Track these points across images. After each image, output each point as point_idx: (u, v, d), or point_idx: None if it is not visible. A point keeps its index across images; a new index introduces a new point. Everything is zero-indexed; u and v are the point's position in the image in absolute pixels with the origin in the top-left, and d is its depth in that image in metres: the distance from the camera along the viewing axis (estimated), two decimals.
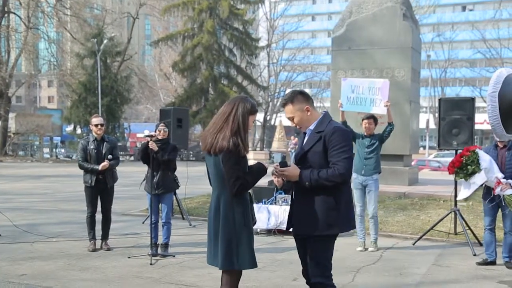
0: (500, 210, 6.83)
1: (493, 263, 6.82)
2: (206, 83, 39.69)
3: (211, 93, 40.20)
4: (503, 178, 6.55)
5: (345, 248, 7.86)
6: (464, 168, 6.71)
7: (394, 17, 13.20)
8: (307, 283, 3.90)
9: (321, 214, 3.67)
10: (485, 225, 6.98)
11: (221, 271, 3.83)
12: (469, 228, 8.15)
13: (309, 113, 3.84)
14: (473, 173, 6.63)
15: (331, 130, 3.70)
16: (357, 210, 7.90)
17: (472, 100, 9.08)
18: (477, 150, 6.78)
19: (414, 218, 9.76)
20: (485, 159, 6.62)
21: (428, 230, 8.46)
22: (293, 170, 3.74)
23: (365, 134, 7.81)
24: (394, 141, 12.68)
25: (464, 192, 6.94)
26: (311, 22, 77.56)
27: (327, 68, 55.23)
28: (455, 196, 8.44)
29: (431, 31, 60.61)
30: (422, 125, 42.19)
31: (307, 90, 39.37)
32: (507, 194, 6.50)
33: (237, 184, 3.60)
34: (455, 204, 8.47)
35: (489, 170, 6.55)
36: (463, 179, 6.86)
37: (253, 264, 3.73)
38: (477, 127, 9.55)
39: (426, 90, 51.18)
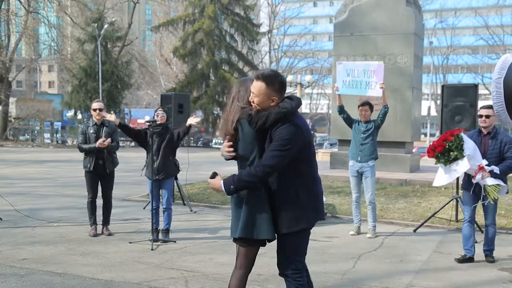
0: (480, 200, 6.27)
1: (471, 259, 6.37)
2: (207, 68, 39.56)
3: (212, 79, 40.10)
4: (487, 165, 6.08)
5: (346, 235, 7.88)
6: (446, 153, 6.16)
7: (397, 3, 13.09)
8: (279, 273, 3.80)
9: (286, 211, 3.54)
10: (464, 217, 6.51)
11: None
12: None
13: (272, 104, 3.55)
14: (455, 159, 6.10)
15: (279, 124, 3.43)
16: (353, 196, 7.96)
17: (475, 86, 9.04)
18: (462, 134, 6.19)
19: (415, 205, 9.76)
20: (469, 145, 6.08)
21: (430, 217, 8.46)
22: (215, 182, 3.57)
23: (361, 120, 7.77)
24: (395, 128, 12.70)
25: (442, 179, 6.36)
26: (312, 8, 77.30)
27: (329, 55, 55.09)
28: (457, 183, 8.42)
29: (434, 17, 60.34)
30: (424, 112, 42.23)
31: (308, 77, 38.86)
32: (488, 184, 6.04)
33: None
34: (457, 192, 8.45)
35: (472, 157, 6.05)
36: (442, 164, 6.28)
37: (272, 235, 3.59)
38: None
39: (428, 77, 51.06)
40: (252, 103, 3.58)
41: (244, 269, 3.71)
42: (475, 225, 7.83)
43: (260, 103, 3.52)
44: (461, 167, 6.07)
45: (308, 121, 28.28)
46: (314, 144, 31.86)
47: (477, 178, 6.07)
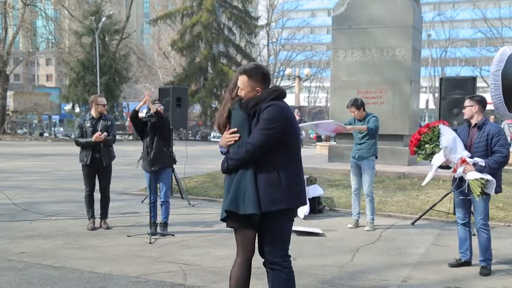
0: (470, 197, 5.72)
1: (467, 263, 5.94)
2: (205, 62, 39.44)
3: (210, 72, 39.98)
4: (469, 157, 5.58)
5: (344, 228, 7.89)
6: (422, 147, 5.77)
7: None
8: (264, 263, 3.82)
9: (268, 191, 3.59)
10: (457, 219, 6.03)
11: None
12: None
13: (258, 94, 3.72)
14: (432, 153, 5.69)
15: (266, 105, 3.60)
16: (352, 188, 8.02)
17: (473, 79, 9.02)
18: (440, 126, 5.75)
19: (414, 198, 9.77)
20: (448, 137, 5.61)
21: (428, 210, 8.48)
22: None
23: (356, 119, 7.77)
24: (393, 121, 12.69)
25: (427, 176, 5.98)
26: (311, 1, 76.96)
27: (327, 48, 55.02)
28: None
29: (432, 10, 60.24)
30: (422, 105, 42.21)
31: (306, 70, 38.45)
32: (471, 179, 5.50)
33: None
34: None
35: (450, 149, 5.57)
36: (428, 161, 5.84)
37: (257, 210, 3.59)
38: None
39: (426, 69, 51.00)
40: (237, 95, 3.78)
41: (241, 256, 3.76)
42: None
43: (246, 95, 3.72)
44: (436, 160, 5.68)
45: (296, 111, 27.89)
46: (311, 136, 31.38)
47: (458, 172, 5.59)
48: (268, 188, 3.58)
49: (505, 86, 4.11)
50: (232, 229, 3.79)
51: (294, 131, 3.72)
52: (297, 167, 3.73)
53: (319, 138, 27.48)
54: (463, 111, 5.87)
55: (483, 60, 54.27)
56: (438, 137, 5.66)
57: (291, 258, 3.83)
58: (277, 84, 53.61)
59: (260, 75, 3.72)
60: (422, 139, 5.77)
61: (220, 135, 3.89)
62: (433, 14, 57.44)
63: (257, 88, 3.70)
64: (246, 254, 3.76)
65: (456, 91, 8.84)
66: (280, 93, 3.72)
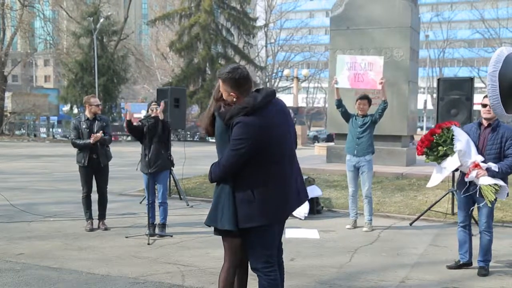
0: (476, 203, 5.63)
1: (467, 264, 5.87)
2: (203, 63, 39.47)
3: (208, 73, 40.01)
4: (482, 162, 5.40)
5: (342, 229, 7.89)
6: (434, 149, 5.56)
7: None
8: (251, 268, 3.83)
9: (242, 207, 3.56)
10: (458, 221, 5.91)
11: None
12: None
13: (235, 99, 3.61)
14: (445, 155, 5.50)
15: (236, 121, 3.50)
16: (350, 191, 7.97)
17: (471, 80, 9.03)
18: (453, 127, 5.56)
19: (412, 198, 9.77)
20: (462, 139, 5.44)
21: (426, 211, 8.48)
22: None
23: (359, 114, 7.77)
24: (392, 122, 12.70)
25: (434, 178, 5.78)
26: (309, 2, 77.10)
27: (325, 48, 55.05)
28: (453, 176, 8.43)
29: (430, 11, 60.32)
30: (420, 105, 42.30)
31: (304, 71, 38.20)
32: (484, 184, 5.34)
33: None
34: (453, 185, 8.46)
35: (464, 153, 5.40)
36: (435, 162, 5.69)
37: (232, 226, 3.59)
38: (475, 107, 9.46)
39: (424, 70, 51.05)
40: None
41: (227, 262, 3.79)
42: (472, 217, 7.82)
43: (225, 98, 3.67)
44: (450, 164, 5.49)
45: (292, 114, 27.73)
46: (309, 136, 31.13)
47: (471, 176, 5.40)
48: (243, 204, 3.56)
49: (502, 86, 4.09)
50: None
51: (269, 145, 3.55)
52: (275, 182, 3.59)
53: (329, 137, 27.20)
54: (487, 109, 5.45)
55: (481, 60, 54.28)
56: (452, 139, 5.48)
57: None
58: (276, 85, 53.78)
59: (232, 80, 3.58)
60: (435, 140, 5.57)
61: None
62: (431, 15, 57.50)
63: (231, 93, 3.60)
64: (233, 260, 3.78)
65: (453, 92, 8.85)
66: (251, 109, 3.49)
